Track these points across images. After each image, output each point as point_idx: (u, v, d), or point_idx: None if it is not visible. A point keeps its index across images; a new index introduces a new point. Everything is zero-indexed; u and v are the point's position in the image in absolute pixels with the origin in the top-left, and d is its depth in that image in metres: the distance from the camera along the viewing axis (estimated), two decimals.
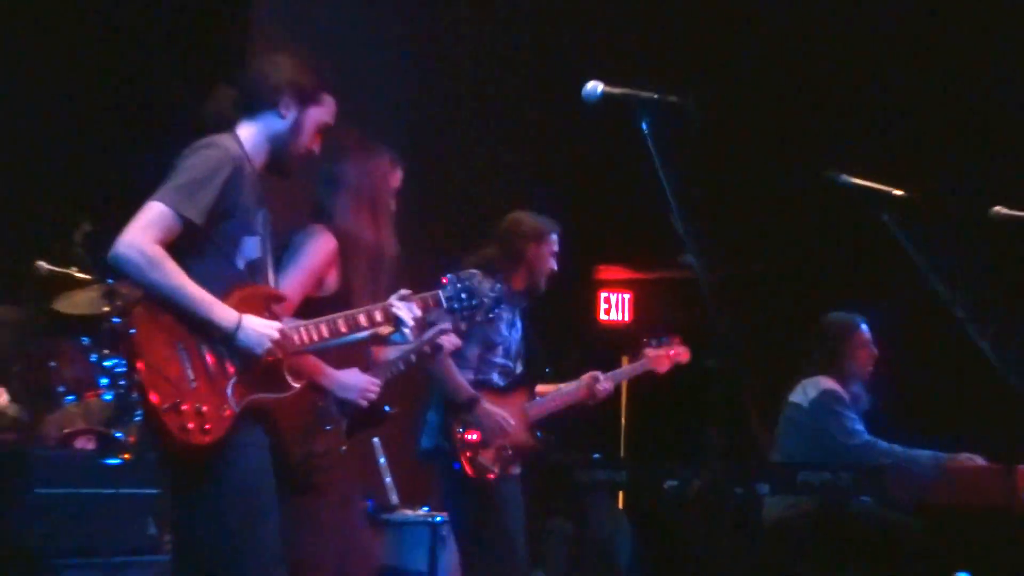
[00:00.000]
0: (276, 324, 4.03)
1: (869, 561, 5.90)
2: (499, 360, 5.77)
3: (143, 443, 6.14)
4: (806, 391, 6.21)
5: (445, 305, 4.54)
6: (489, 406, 5.62)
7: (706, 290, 4.00)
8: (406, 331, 4.46)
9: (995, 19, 7.41)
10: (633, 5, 8.31)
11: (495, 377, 5.76)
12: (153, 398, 3.85)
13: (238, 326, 3.94)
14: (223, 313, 3.93)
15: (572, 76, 4.19)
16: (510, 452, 5.64)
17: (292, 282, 4.54)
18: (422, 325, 4.64)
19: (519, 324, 5.89)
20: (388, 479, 6.75)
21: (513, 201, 7.56)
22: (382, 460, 6.70)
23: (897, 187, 4.48)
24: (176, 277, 3.89)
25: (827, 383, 6.21)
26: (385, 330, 4.49)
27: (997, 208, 4.98)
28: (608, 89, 3.91)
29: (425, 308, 4.49)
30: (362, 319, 4.33)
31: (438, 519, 6.29)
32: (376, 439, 6.62)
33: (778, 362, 6.24)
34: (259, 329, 3.97)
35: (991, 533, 5.43)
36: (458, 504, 5.65)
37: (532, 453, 5.78)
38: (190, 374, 3.90)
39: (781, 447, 6.19)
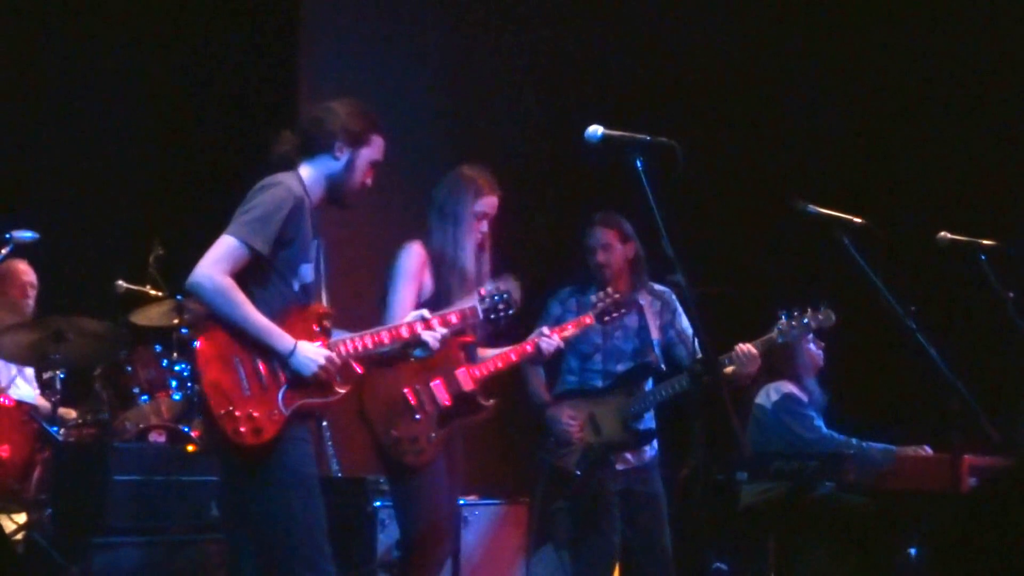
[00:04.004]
0: (325, 352, 4.04)
1: (831, 539, 5.87)
2: (599, 367, 5.55)
3: (206, 437, 6.16)
4: (768, 394, 6.19)
5: (482, 316, 4.55)
6: (555, 412, 5.41)
7: (691, 304, 3.99)
8: (430, 342, 4.44)
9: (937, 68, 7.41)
10: (625, 61, 8.32)
11: (597, 381, 5.54)
12: (211, 405, 3.90)
13: (292, 352, 3.98)
14: (280, 340, 3.97)
15: (577, 118, 4.18)
16: (596, 451, 5.40)
17: (399, 291, 4.72)
18: (451, 337, 4.61)
19: (633, 323, 5.56)
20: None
21: (534, 226, 7.58)
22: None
23: (855, 215, 4.47)
24: (243, 306, 3.93)
25: (786, 387, 6.19)
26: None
27: (943, 233, 4.98)
28: (608, 132, 3.90)
29: (463, 319, 4.50)
30: (404, 331, 4.36)
31: (461, 501, 6.26)
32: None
33: None
34: (309, 355, 4.00)
35: (939, 515, 5.40)
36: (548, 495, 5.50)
37: (623, 450, 5.46)
38: (245, 383, 3.94)
39: (750, 442, 6.17)
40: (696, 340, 5.08)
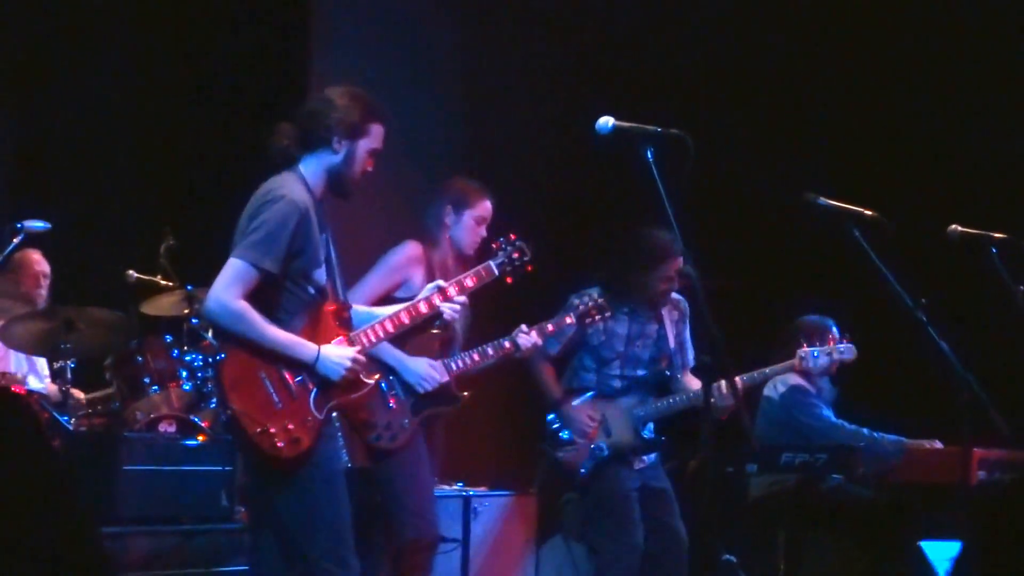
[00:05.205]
0: (349, 353, 4.02)
1: (840, 532, 5.86)
2: (617, 371, 5.57)
3: (216, 427, 6.17)
4: (776, 387, 6.18)
5: (497, 272, 4.57)
6: (571, 410, 5.46)
7: (702, 296, 3.99)
8: (447, 314, 4.46)
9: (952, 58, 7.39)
10: (637, 53, 8.30)
11: (615, 383, 5.57)
12: (246, 427, 3.89)
13: (316, 360, 3.96)
14: (303, 350, 3.95)
15: (588, 111, 4.16)
16: (605, 452, 5.45)
17: (370, 279, 4.86)
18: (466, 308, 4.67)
19: (652, 333, 5.60)
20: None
21: (549, 223, 7.55)
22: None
23: (866, 208, 4.46)
24: (260, 326, 3.91)
25: (794, 379, 6.15)
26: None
27: (954, 226, 4.97)
28: (619, 123, 3.89)
29: (479, 280, 4.53)
30: (422, 307, 4.38)
31: (471, 493, 6.28)
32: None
33: (757, 358, 6.20)
34: (334, 359, 3.98)
35: (949, 507, 5.39)
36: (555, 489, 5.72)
37: (631, 454, 5.51)
38: (275, 397, 3.92)
39: (759, 434, 6.16)
40: (701, 335, 5.11)
